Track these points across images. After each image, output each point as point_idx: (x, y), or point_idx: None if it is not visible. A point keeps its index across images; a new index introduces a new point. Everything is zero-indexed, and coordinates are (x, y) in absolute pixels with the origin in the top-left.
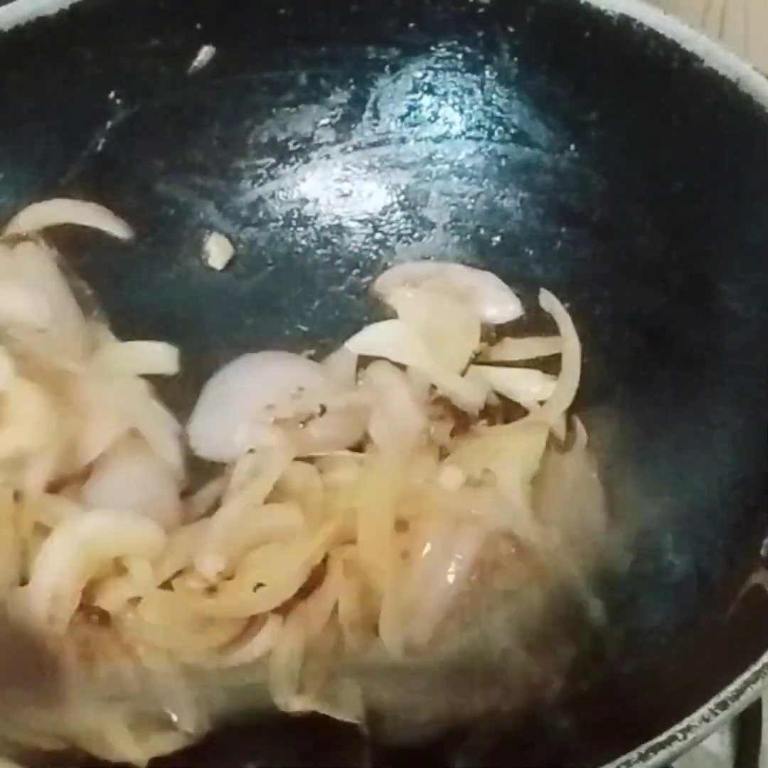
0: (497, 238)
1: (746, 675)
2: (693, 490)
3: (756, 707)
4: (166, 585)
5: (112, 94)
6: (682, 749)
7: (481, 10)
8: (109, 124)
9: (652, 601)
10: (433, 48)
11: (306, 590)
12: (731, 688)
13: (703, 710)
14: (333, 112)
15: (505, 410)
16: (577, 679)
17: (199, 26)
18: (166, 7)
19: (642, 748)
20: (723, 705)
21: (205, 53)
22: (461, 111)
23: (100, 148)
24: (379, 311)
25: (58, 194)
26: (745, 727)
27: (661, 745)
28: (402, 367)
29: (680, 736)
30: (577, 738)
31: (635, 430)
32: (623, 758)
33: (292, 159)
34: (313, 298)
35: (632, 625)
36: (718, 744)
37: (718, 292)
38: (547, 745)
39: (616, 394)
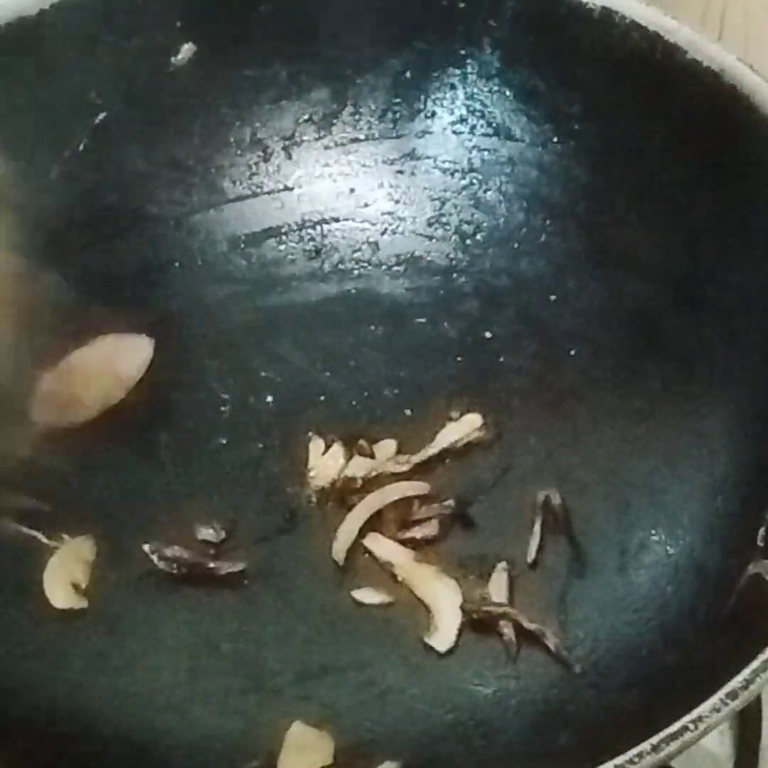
0: (482, 233)
1: (754, 664)
2: (684, 479)
3: (756, 707)
4: None
5: (93, 94)
6: (694, 739)
7: (461, 4)
8: (90, 124)
9: (647, 593)
10: (413, 43)
11: None
12: (740, 678)
13: (713, 700)
14: (314, 109)
15: None
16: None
17: (179, 24)
18: (147, 5)
19: (654, 740)
20: (733, 695)
21: (185, 51)
22: (443, 106)
23: (81, 148)
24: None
25: (40, 196)
26: (745, 727)
27: (673, 736)
28: None
29: (692, 726)
30: (579, 739)
31: (623, 421)
32: (635, 750)
33: (274, 156)
34: (297, 297)
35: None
36: (718, 744)
37: (705, 283)
38: (548, 748)
39: (604, 385)
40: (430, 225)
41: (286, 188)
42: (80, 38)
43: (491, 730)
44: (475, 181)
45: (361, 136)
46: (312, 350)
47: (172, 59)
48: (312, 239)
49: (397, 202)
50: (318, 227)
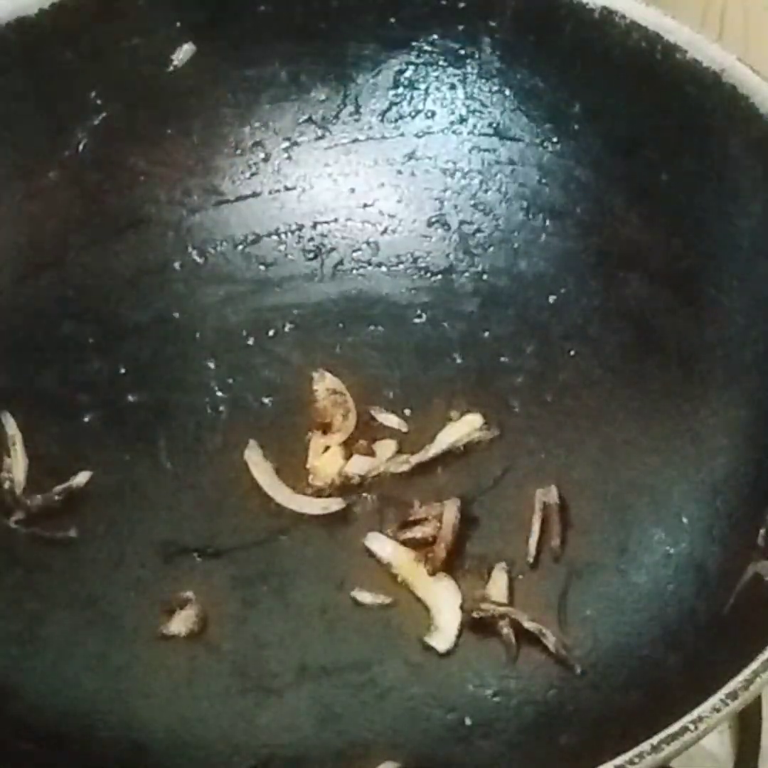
0: (482, 233)
1: (754, 664)
2: (684, 479)
3: (756, 707)
4: None
5: (92, 94)
6: (694, 739)
7: (461, 4)
8: (89, 124)
9: (647, 593)
10: (413, 43)
11: None
12: (740, 678)
13: (714, 700)
14: (314, 109)
15: None
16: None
17: (178, 24)
18: (146, 5)
19: (654, 740)
20: (733, 695)
21: (185, 51)
22: (443, 106)
23: (81, 148)
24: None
25: (40, 196)
26: (745, 727)
27: (673, 737)
28: None
29: (692, 726)
30: (579, 739)
31: (623, 421)
32: (635, 750)
33: (274, 156)
34: (297, 297)
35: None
36: (718, 744)
37: (705, 283)
38: (548, 748)
39: (604, 385)
40: (430, 225)
41: (286, 188)
42: (80, 38)
43: (491, 730)
44: (475, 181)
45: (361, 136)
46: (312, 350)
47: (173, 59)
48: (312, 239)
49: (397, 202)
50: (318, 227)
